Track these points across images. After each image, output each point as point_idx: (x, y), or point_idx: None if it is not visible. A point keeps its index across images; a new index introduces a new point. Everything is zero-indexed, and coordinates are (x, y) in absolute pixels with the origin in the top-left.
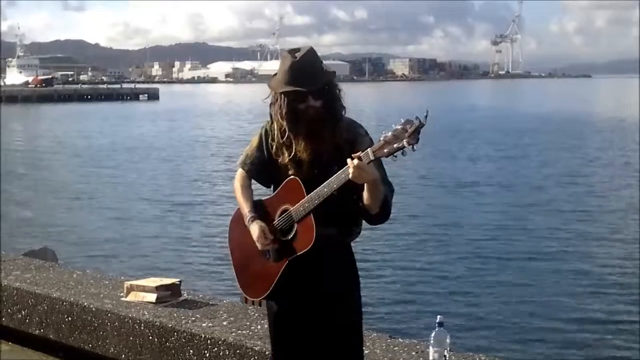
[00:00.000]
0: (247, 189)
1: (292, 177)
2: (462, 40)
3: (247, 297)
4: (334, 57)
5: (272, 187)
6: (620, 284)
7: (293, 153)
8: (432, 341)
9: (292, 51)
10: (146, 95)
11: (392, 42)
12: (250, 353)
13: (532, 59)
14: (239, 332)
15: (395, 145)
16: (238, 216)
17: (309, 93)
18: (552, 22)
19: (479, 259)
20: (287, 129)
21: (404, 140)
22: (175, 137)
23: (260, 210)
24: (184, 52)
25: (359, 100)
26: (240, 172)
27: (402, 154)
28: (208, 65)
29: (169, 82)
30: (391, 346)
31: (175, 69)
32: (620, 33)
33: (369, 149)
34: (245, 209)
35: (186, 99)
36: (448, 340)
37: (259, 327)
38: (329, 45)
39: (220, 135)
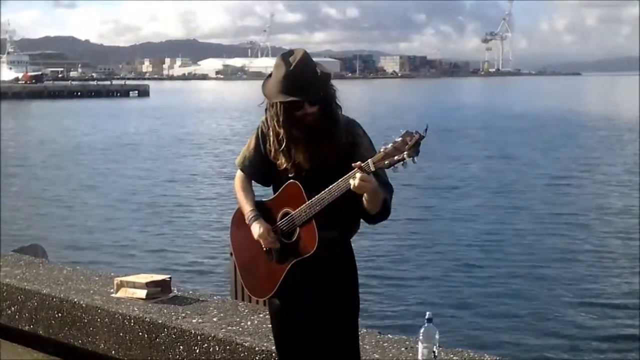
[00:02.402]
0: (248, 189)
1: (292, 181)
2: (453, 38)
3: (255, 298)
4: (325, 54)
5: (272, 186)
6: (613, 284)
7: (292, 159)
8: (421, 337)
9: (286, 56)
10: (136, 91)
11: (383, 40)
12: (240, 349)
13: (523, 57)
14: (229, 328)
15: (396, 158)
16: (238, 218)
17: (305, 101)
18: (542, 21)
19: (468, 257)
20: (284, 137)
21: (405, 152)
22: (164, 134)
23: (261, 211)
24: (174, 49)
25: (350, 98)
26: (239, 174)
27: (403, 165)
28: (198, 62)
29: (159, 79)
30: (381, 342)
31: (165, 66)
32: (609, 31)
33: (369, 160)
34: (247, 208)
35: (177, 95)
36: (437, 336)
37: (248, 323)
38: (320, 43)
39: (210, 133)
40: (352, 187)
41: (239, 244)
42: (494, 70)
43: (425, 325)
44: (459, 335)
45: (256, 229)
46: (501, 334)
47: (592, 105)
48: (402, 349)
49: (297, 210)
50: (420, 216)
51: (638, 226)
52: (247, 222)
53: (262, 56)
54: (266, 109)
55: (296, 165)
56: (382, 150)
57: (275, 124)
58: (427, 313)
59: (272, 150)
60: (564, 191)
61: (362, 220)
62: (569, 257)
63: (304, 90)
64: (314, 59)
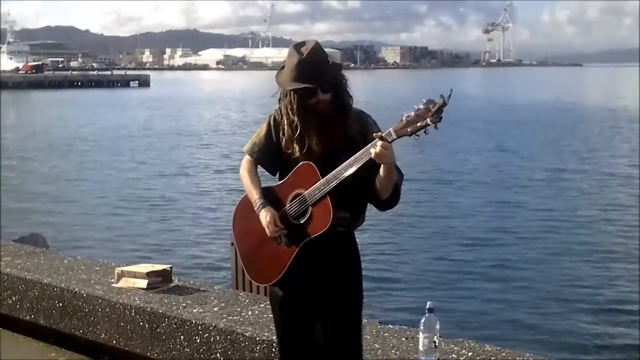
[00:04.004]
0: (255, 176)
1: (305, 162)
2: (455, 29)
3: (257, 284)
4: (325, 44)
5: (277, 174)
6: (613, 279)
7: (306, 147)
8: (422, 327)
9: (298, 46)
10: (137, 81)
11: (384, 31)
12: (240, 339)
13: (524, 48)
14: (230, 318)
15: (418, 124)
16: (244, 204)
17: (318, 87)
18: (544, 12)
19: (469, 246)
20: (298, 125)
21: (428, 118)
22: (164, 125)
23: (269, 196)
24: (175, 39)
25: (351, 88)
26: (247, 159)
27: (425, 132)
28: (199, 53)
29: (160, 69)
30: (381, 332)
31: (166, 56)
32: (611, 23)
33: (390, 128)
34: (255, 196)
35: (177, 86)
36: (438, 326)
37: (249, 313)
38: (322, 34)
39: (211, 125)
40: (373, 155)
41: (243, 231)
42: (495, 61)
43: (426, 315)
44: (460, 326)
45: (264, 217)
46: (502, 324)
47: (593, 96)
48: (403, 339)
49: (310, 189)
50: (422, 208)
51: (638, 221)
52: (255, 209)
53: (262, 46)
54: (280, 99)
55: (308, 153)
56: (404, 118)
57: (290, 112)
58: (428, 303)
59: (286, 139)
60: (564, 185)
61: (366, 213)
62: (568, 251)
63: (316, 77)
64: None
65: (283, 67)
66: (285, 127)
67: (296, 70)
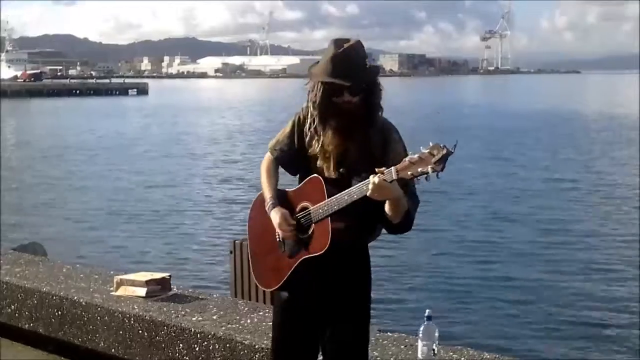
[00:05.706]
0: (273, 175)
1: (314, 175)
2: (453, 36)
3: (259, 286)
4: (323, 51)
5: (298, 176)
6: (614, 287)
7: (320, 144)
8: (420, 335)
9: (339, 41)
10: (135, 90)
11: (383, 38)
12: (240, 347)
13: (522, 55)
14: (229, 326)
15: (420, 170)
16: (259, 204)
17: (347, 87)
18: (543, 18)
19: (467, 254)
20: (315, 119)
21: (430, 166)
22: (162, 134)
23: (282, 200)
24: (173, 47)
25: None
26: (268, 157)
27: (426, 179)
28: (198, 60)
29: (158, 77)
30: (380, 340)
31: (164, 64)
32: (610, 29)
33: (392, 168)
34: (268, 194)
35: (176, 94)
36: (437, 334)
37: (248, 321)
38: (320, 41)
39: (209, 133)
40: (368, 192)
41: (254, 230)
42: (492, 68)
43: (425, 323)
44: (459, 333)
45: (275, 217)
46: (501, 332)
47: (593, 104)
48: (402, 346)
49: (315, 206)
50: (420, 217)
51: (638, 230)
52: (266, 208)
53: (261, 54)
54: (309, 92)
55: (324, 155)
56: (407, 160)
57: (312, 104)
58: (427, 311)
59: (308, 134)
60: (563, 195)
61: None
62: (568, 262)
63: (347, 76)
64: (314, 57)
65: (319, 62)
66: (309, 120)
67: (330, 64)
